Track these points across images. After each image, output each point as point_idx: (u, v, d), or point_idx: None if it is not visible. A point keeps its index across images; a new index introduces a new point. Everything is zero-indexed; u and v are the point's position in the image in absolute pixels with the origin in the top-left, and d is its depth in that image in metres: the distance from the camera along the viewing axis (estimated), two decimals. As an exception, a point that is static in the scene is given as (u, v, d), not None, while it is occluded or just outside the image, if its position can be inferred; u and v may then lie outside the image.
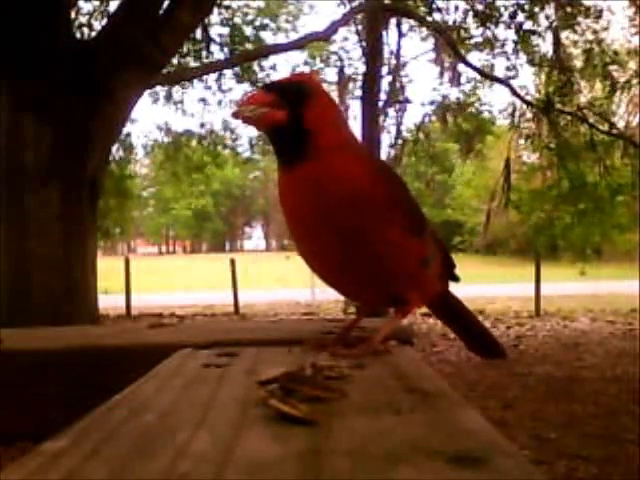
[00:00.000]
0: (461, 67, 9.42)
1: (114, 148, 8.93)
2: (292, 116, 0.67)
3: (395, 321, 0.77)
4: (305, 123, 0.67)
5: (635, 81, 9.26)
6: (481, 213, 18.35)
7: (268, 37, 11.20)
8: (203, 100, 10.77)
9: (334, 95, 11.75)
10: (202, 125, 10.99)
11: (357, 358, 0.66)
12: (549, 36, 9.00)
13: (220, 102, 10.80)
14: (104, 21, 7.67)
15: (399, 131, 9.85)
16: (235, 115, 0.68)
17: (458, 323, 0.87)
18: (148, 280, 14.61)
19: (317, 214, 0.68)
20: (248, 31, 10.66)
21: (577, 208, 9.14)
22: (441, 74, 9.58)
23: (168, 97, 10.83)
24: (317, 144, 0.68)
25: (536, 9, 8.65)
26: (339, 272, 0.73)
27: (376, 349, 0.70)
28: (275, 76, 10.70)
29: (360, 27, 9.48)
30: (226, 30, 10.27)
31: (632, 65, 9.55)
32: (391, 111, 9.76)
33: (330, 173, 0.67)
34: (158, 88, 10.09)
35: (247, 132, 12.74)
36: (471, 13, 8.96)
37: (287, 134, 0.68)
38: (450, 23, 8.99)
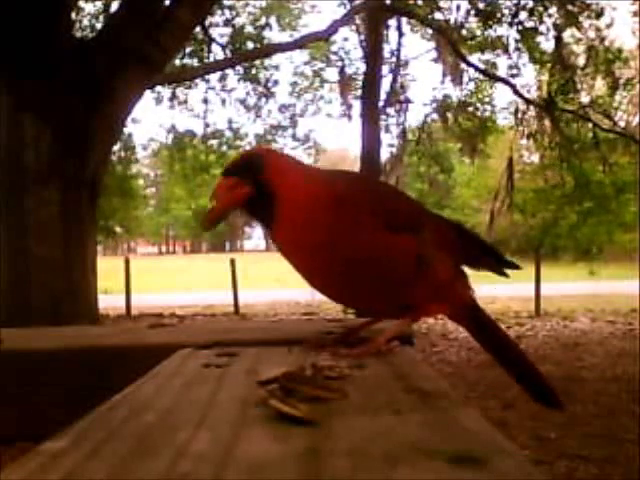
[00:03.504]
0: (463, 66, 9.40)
1: (116, 148, 8.92)
2: (257, 185, 0.73)
3: (402, 325, 0.76)
4: (267, 186, 0.73)
5: (636, 80, 9.25)
6: (481, 213, 18.31)
7: (271, 36, 11.20)
8: (205, 101, 10.77)
9: (335, 94, 11.77)
10: (207, 125, 10.98)
11: (357, 358, 0.66)
12: (551, 34, 8.99)
13: (224, 101, 10.80)
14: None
15: (404, 131, 9.83)
16: (206, 225, 0.74)
17: (499, 351, 0.79)
18: (148, 280, 14.60)
19: (305, 251, 0.73)
20: (250, 30, 10.65)
21: (582, 207, 9.10)
22: (443, 74, 9.56)
23: (172, 98, 10.82)
24: (283, 199, 0.72)
25: (539, 8, 8.63)
26: (344, 294, 0.78)
27: (378, 350, 0.70)
28: (277, 75, 10.72)
29: (361, 26, 9.46)
30: (228, 30, 10.27)
31: (633, 64, 9.53)
32: (392, 111, 9.74)
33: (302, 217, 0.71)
34: (161, 89, 10.08)
35: (251, 131, 12.75)
36: (473, 12, 8.95)
37: (258, 201, 0.73)
38: (452, 22, 8.99)
